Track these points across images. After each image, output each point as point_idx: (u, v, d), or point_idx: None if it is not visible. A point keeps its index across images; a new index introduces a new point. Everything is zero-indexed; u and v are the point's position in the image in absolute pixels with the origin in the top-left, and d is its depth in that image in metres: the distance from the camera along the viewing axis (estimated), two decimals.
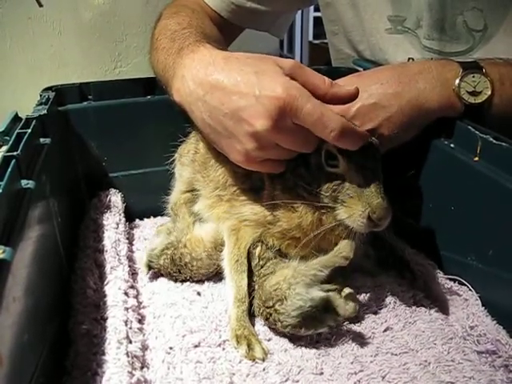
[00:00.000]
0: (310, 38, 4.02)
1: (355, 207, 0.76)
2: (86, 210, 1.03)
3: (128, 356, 0.67)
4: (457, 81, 0.86)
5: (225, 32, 1.18)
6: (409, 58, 1.05)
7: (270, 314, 0.78)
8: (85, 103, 1.09)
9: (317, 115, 0.71)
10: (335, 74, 1.01)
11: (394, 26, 1.08)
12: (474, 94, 0.85)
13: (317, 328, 0.77)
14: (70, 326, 0.73)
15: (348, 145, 0.74)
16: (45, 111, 0.90)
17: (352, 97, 0.77)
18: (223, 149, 0.81)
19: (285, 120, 0.72)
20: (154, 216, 1.14)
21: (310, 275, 0.78)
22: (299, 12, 3.90)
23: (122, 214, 1.04)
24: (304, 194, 0.80)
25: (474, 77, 0.85)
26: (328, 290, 0.80)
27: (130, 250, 0.98)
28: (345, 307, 0.77)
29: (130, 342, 0.71)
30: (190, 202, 1.00)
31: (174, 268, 0.91)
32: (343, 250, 0.78)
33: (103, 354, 0.67)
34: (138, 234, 1.07)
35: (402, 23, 1.08)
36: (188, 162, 0.99)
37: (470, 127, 0.83)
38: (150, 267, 0.93)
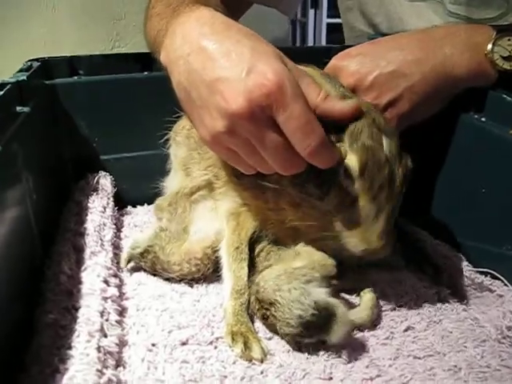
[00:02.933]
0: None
1: (354, 236, 0.69)
2: (71, 193, 0.93)
3: (99, 351, 0.57)
4: (489, 45, 0.75)
5: (230, 7, 1.08)
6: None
7: (268, 316, 0.68)
8: (75, 78, 0.99)
9: (301, 121, 0.60)
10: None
11: None
12: (509, 59, 0.75)
13: (321, 335, 0.65)
14: (35, 316, 0.63)
15: (317, 164, 0.65)
16: (24, 77, 0.80)
17: (345, 118, 0.67)
18: (194, 121, 0.70)
19: (264, 112, 0.61)
20: (149, 203, 1.03)
21: (302, 275, 0.68)
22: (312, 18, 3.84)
23: (111, 199, 0.94)
24: (313, 194, 0.69)
25: (509, 40, 0.75)
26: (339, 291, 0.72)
27: (117, 237, 0.88)
28: (340, 334, 0.64)
29: (105, 335, 0.61)
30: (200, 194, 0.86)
31: (156, 272, 0.80)
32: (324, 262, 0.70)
33: (69, 347, 0.56)
34: (129, 220, 0.97)
35: None
36: (183, 139, 0.88)
37: (504, 96, 0.72)
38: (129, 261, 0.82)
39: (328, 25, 3.97)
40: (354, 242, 0.69)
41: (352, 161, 0.66)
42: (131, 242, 0.82)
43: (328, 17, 3.82)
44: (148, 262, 0.79)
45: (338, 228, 0.69)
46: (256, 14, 1.17)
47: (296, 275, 0.67)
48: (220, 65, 0.63)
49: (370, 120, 0.67)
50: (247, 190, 0.77)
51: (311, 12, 3.90)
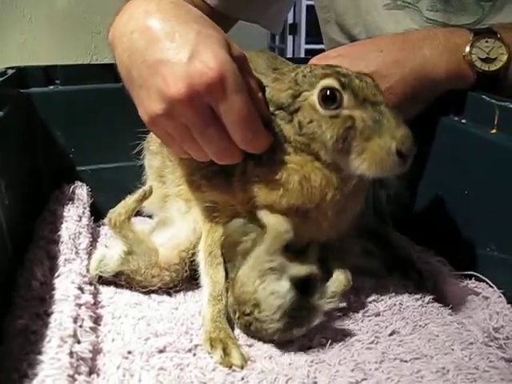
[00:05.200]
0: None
1: (379, 148, 0.62)
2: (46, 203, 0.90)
3: (72, 357, 0.54)
4: (467, 47, 0.76)
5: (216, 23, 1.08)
6: None
7: (251, 323, 0.66)
8: (51, 87, 0.98)
9: (241, 114, 0.61)
10: None
11: (392, 1, 0.98)
12: (487, 60, 0.75)
13: (311, 320, 0.65)
14: (4, 325, 0.60)
15: (251, 150, 0.66)
16: None
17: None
18: (134, 99, 0.69)
19: (203, 100, 0.60)
20: None
21: (268, 268, 0.66)
22: (291, 44, 3.88)
23: (87, 208, 0.91)
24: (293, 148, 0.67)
25: (487, 42, 0.75)
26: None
27: (93, 246, 0.85)
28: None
29: (79, 342, 0.58)
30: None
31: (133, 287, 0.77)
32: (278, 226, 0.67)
33: (39, 353, 0.53)
34: (105, 230, 0.94)
35: None
36: (156, 147, 0.87)
37: (484, 96, 0.73)
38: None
39: (306, 51, 4.02)
40: (384, 153, 0.61)
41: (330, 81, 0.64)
42: (97, 260, 0.76)
43: (306, 43, 3.86)
44: (122, 281, 0.76)
45: (355, 163, 0.64)
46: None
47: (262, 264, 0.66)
48: (163, 46, 0.62)
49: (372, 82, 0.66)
50: (217, 189, 0.75)
51: (289, 38, 3.95)
